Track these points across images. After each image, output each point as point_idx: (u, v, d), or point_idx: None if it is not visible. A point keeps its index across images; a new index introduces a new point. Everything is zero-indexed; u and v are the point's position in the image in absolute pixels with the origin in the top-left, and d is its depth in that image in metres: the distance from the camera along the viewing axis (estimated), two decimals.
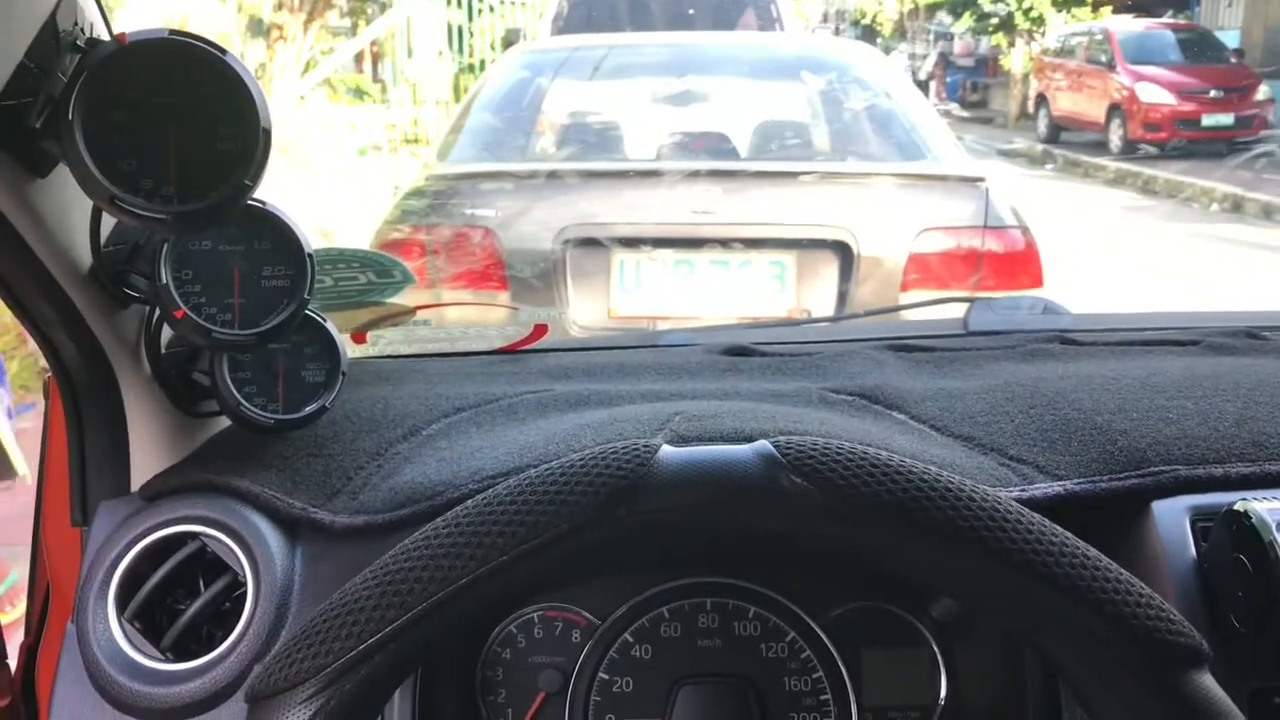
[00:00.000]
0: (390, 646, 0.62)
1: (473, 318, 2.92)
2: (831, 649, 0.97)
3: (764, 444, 0.68)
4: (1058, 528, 0.65)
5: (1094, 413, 1.00)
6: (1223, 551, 0.84)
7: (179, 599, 0.92)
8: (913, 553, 0.66)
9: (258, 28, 11.46)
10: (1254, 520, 0.81)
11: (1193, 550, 0.87)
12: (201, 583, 0.93)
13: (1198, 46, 14.91)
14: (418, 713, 0.91)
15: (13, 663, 1.05)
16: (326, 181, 8.87)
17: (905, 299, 3.10)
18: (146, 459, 0.96)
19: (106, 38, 0.76)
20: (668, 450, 0.68)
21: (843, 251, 3.12)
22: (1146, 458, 0.93)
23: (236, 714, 0.87)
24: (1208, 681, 0.61)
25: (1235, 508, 0.83)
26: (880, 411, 1.06)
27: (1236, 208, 10.06)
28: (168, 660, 0.88)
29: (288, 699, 0.60)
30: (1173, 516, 0.89)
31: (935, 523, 0.64)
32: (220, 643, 0.89)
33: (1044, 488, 0.91)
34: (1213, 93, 13.48)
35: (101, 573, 0.90)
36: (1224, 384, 1.06)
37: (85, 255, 0.83)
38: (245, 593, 0.90)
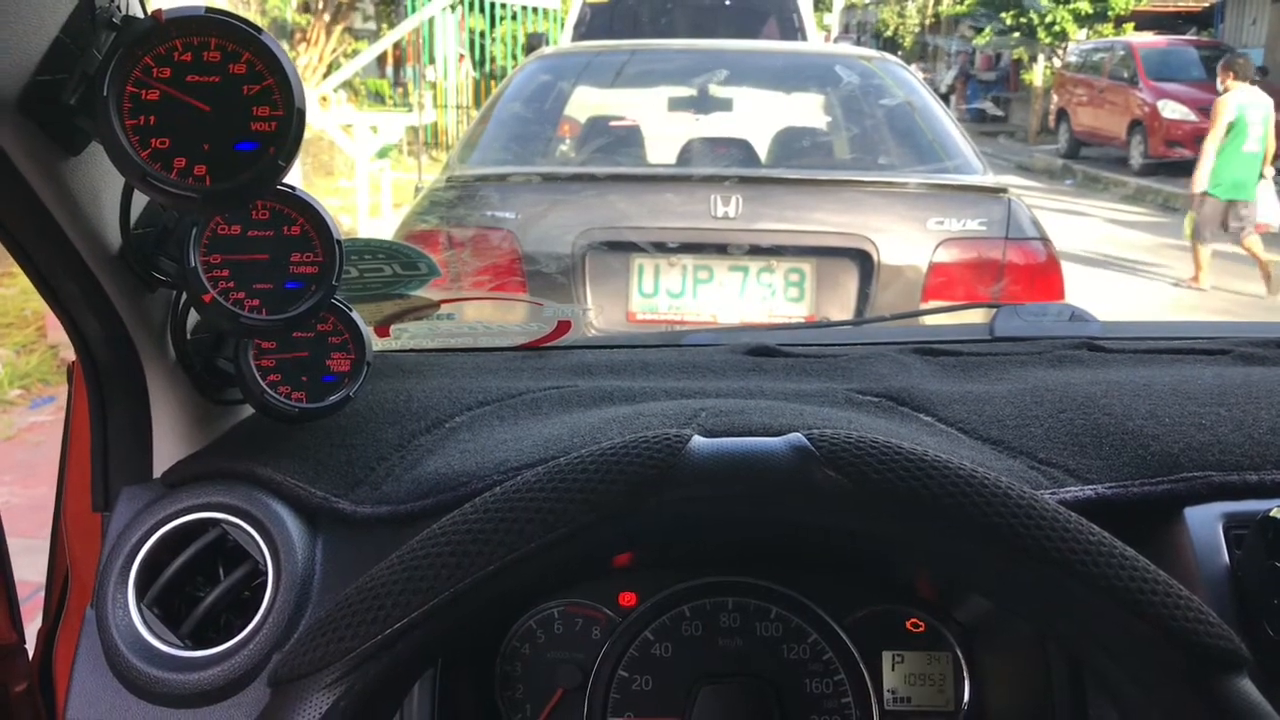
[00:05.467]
0: (416, 632, 0.61)
1: (494, 314, 2.91)
2: (854, 651, 0.96)
3: (797, 436, 0.67)
4: (1095, 527, 0.64)
5: (1125, 418, 0.99)
6: (1257, 559, 0.82)
7: (199, 586, 0.92)
8: (947, 549, 0.64)
9: (281, 30, 11.54)
10: None
11: (1226, 557, 0.86)
12: (221, 570, 0.92)
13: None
14: (437, 707, 0.90)
15: (30, 648, 1.04)
16: (347, 183, 8.91)
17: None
18: (169, 445, 0.96)
19: (142, 15, 0.76)
20: (699, 441, 0.67)
21: (863, 260, 3.11)
22: (1179, 463, 0.92)
23: (253, 702, 0.86)
24: (1247, 686, 0.60)
25: (1271, 514, 0.82)
26: (907, 414, 1.05)
27: None
28: (186, 647, 0.88)
29: (311, 683, 0.60)
30: (1206, 523, 0.88)
31: (970, 518, 0.62)
32: (239, 631, 0.88)
33: (1075, 491, 0.90)
34: None
35: (121, 559, 0.90)
36: (1257, 392, 1.04)
37: (114, 236, 0.83)
38: (265, 581, 0.90)
